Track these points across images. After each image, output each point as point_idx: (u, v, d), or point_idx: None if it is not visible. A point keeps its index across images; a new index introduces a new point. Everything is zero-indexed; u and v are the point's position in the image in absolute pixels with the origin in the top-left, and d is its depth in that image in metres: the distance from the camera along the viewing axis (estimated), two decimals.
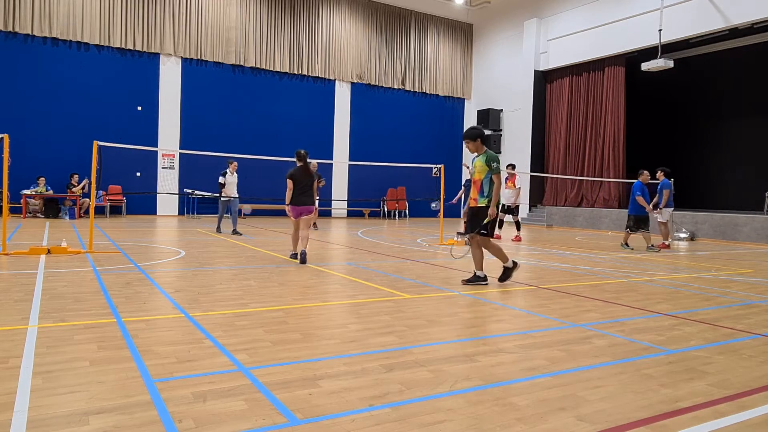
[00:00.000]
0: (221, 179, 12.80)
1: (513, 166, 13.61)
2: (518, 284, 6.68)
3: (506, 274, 6.57)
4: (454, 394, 2.89)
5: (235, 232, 12.62)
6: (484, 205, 6.39)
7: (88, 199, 16.33)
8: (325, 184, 13.22)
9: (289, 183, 8.11)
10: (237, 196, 13.00)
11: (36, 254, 7.79)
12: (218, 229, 12.96)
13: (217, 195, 13.17)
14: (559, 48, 21.04)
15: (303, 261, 7.85)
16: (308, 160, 8.58)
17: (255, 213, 20.29)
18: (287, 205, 8.19)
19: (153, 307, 4.82)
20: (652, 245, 11.43)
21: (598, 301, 5.68)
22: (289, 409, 2.61)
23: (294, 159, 8.55)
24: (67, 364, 3.18)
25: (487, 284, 6.40)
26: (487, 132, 23.56)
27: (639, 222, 11.47)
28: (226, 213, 13.07)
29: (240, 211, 13.91)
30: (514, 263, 6.58)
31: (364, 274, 7.03)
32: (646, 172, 11.88)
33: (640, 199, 11.34)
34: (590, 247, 12.27)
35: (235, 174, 13.07)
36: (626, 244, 11.62)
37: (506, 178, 13.09)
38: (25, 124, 16.39)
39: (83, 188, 16.34)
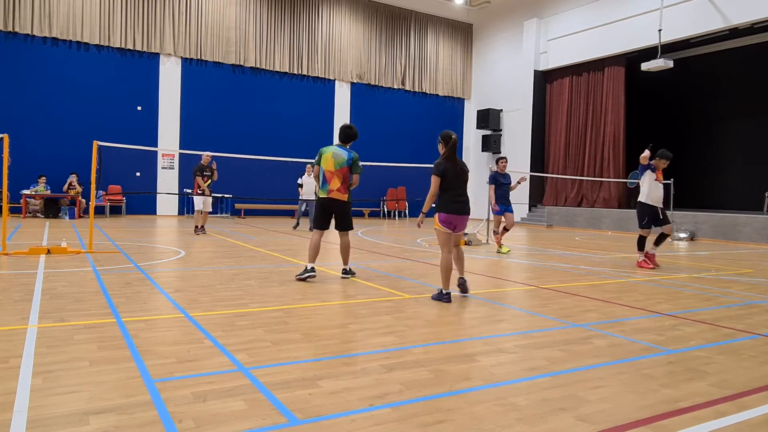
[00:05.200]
0: (299, 180, 14.41)
1: (664, 157, 8.58)
2: (518, 284, 6.68)
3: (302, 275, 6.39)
4: (454, 394, 2.88)
5: (297, 226, 14.33)
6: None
7: (84, 200, 16.33)
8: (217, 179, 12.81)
9: (436, 181, 5.52)
10: (314, 198, 13.49)
11: (36, 254, 7.79)
12: (309, 227, 13.85)
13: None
14: (559, 48, 21.04)
15: (465, 290, 5.71)
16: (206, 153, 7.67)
17: (255, 213, 20.29)
18: (439, 212, 5.51)
19: (153, 307, 4.82)
20: None
21: (599, 301, 5.68)
22: (289, 409, 2.61)
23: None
24: (67, 364, 3.18)
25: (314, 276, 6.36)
26: (487, 132, 23.59)
27: None
28: (304, 213, 14.56)
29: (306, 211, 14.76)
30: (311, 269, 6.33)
31: (364, 274, 7.03)
32: None
33: None
34: (590, 247, 12.27)
35: (312, 176, 13.83)
36: None
37: (654, 168, 8.63)
38: (25, 124, 16.39)
39: (71, 185, 16.26)
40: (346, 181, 6.57)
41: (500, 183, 10.07)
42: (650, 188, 8.55)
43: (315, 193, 13.96)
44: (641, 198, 8.68)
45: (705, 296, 6.20)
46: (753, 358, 3.73)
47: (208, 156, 12.36)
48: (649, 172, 8.53)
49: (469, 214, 5.54)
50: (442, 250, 5.51)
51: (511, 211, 10.22)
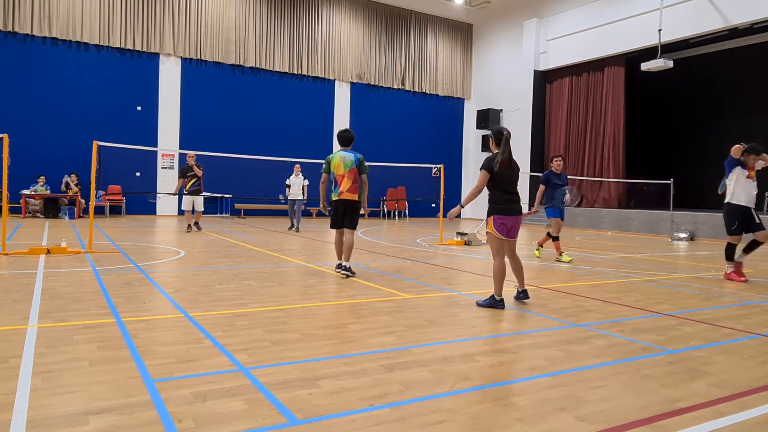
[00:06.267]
0: (287, 181, 14.49)
1: (754, 151, 7.40)
2: None
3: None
4: (454, 394, 2.88)
5: (292, 227, 14.21)
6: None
7: (84, 200, 16.32)
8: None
9: (484, 176, 5.11)
10: (300, 198, 14.19)
11: (36, 254, 7.79)
12: (294, 228, 14.26)
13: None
14: (558, 48, 21.04)
15: (527, 297, 5.50)
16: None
17: (254, 213, 20.29)
18: (494, 215, 5.11)
19: (153, 307, 4.82)
20: None
21: (599, 301, 5.68)
22: (289, 409, 2.61)
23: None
24: (67, 364, 3.18)
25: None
26: (487, 132, 23.60)
27: None
28: (304, 213, 14.52)
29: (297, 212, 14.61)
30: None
31: (364, 274, 7.03)
32: None
33: None
34: (590, 247, 12.26)
35: (300, 176, 14.20)
36: None
37: (745, 165, 7.46)
38: (25, 124, 16.39)
39: (68, 185, 16.24)
40: (356, 181, 7.01)
41: (554, 183, 9.13)
42: (740, 187, 7.39)
43: (302, 192, 14.24)
44: (729, 198, 7.49)
45: (705, 296, 6.20)
46: (753, 358, 3.73)
47: (192, 156, 12.63)
48: (739, 168, 7.42)
49: (521, 214, 5.19)
50: (494, 257, 5.18)
51: (562, 216, 9.25)
